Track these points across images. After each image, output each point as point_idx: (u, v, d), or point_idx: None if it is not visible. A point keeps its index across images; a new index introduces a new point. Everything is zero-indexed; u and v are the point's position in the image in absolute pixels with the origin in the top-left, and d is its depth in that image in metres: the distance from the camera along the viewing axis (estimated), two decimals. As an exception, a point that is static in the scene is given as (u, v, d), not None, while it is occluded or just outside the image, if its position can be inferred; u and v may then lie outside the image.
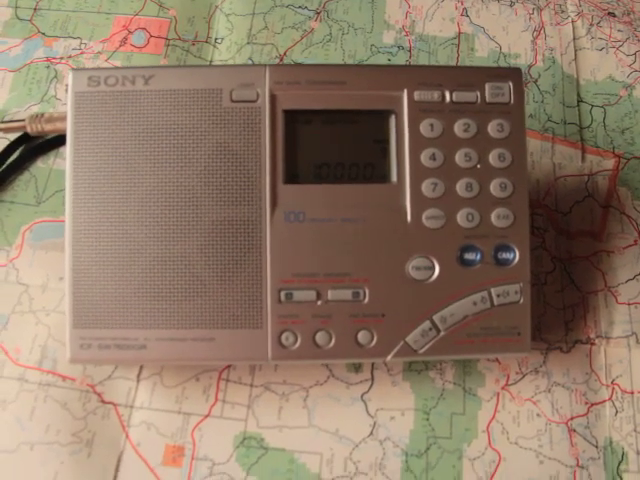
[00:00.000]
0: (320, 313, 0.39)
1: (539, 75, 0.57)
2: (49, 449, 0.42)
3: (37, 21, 0.57)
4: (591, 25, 0.60)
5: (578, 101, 0.56)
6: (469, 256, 0.40)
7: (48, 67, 0.55)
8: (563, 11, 0.61)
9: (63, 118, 0.40)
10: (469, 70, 0.43)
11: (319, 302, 0.39)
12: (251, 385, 0.44)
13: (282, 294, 0.39)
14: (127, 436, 0.42)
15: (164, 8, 0.58)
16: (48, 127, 0.45)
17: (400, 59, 0.57)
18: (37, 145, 0.51)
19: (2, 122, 0.47)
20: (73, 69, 0.40)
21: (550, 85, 0.57)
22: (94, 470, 0.41)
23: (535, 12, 0.60)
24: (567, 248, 0.50)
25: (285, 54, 0.56)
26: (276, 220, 0.39)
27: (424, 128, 0.41)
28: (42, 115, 0.45)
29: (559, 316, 0.48)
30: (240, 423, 0.43)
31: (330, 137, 0.41)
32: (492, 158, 0.41)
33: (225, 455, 0.42)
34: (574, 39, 0.59)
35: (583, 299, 0.48)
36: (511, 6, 0.60)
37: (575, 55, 0.58)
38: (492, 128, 0.41)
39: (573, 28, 0.60)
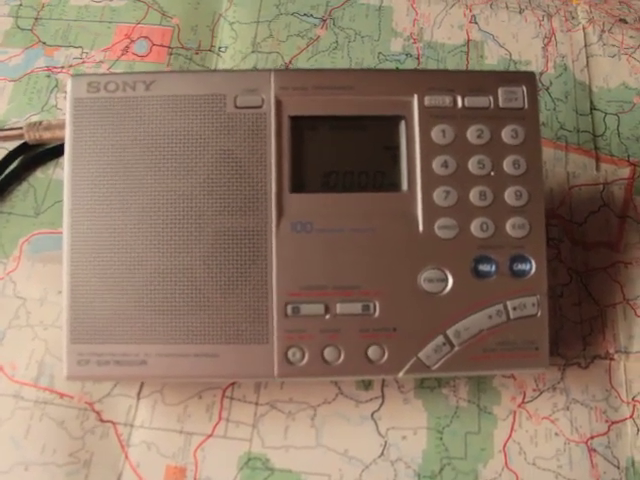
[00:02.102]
0: (328, 328, 0.38)
1: (550, 82, 0.56)
2: (44, 470, 0.40)
3: (38, 31, 0.56)
4: (602, 32, 0.59)
5: (591, 109, 0.55)
6: (484, 267, 0.39)
7: (49, 76, 0.54)
8: (574, 17, 0.60)
9: (62, 125, 0.39)
10: (481, 74, 0.42)
11: (327, 316, 0.38)
12: (256, 403, 0.42)
13: (289, 308, 0.38)
14: (126, 456, 0.41)
15: (167, 16, 0.57)
16: (47, 135, 0.43)
17: (408, 67, 0.55)
18: (36, 155, 0.49)
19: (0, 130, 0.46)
20: (72, 75, 0.39)
21: (562, 92, 0.55)
22: (92, 493, 0.40)
23: (545, 19, 0.59)
24: (583, 259, 0.48)
25: (290, 62, 0.55)
26: (282, 230, 0.38)
27: (435, 134, 0.39)
28: (40, 123, 0.44)
29: (576, 330, 0.46)
30: (244, 443, 0.41)
31: (338, 144, 0.40)
32: (506, 165, 0.40)
33: (229, 477, 0.40)
34: (586, 46, 0.58)
35: (601, 312, 0.47)
36: (520, 13, 0.59)
37: (587, 62, 0.57)
38: (506, 134, 0.40)
39: (584, 35, 0.59)
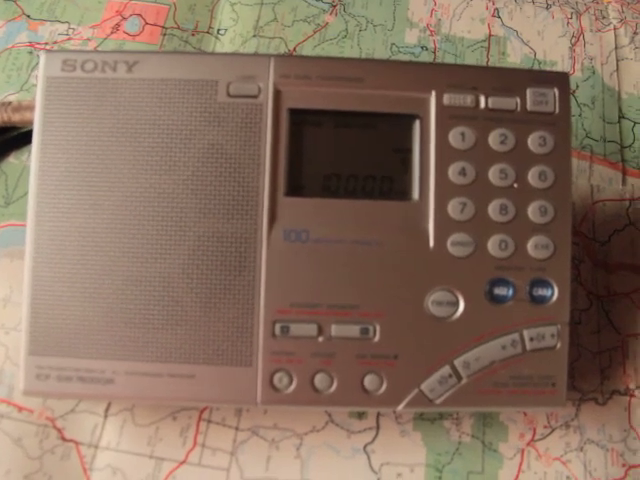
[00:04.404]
0: (321, 351, 0.34)
1: (577, 86, 0.52)
2: (-5, 494, 0.36)
3: (22, 2, 0.52)
4: (635, 33, 0.55)
5: (619, 117, 0.51)
6: (500, 291, 0.35)
7: (31, 53, 0.50)
8: (604, 17, 0.56)
9: (32, 107, 0.35)
10: (508, 72, 0.37)
11: (320, 338, 0.34)
12: (236, 428, 0.39)
13: (277, 327, 0.34)
14: (88, 482, 0.37)
15: (163, -7, 0.53)
16: (15, 117, 0.39)
17: (424, 60, 0.52)
18: (10, 138, 0.45)
19: (-36, 109, 0.41)
20: (46, 50, 0.35)
21: (589, 98, 0.51)
22: (47, 521, 0.36)
23: (574, 17, 0.55)
24: (605, 283, 0.45)
25: (295, 50, 0.51)
26: (274, 238, 0.34)
27: (454, 138, 0.35)
28: (9, 103, 0.39)
29: (594, 362, 0.42)
30: (221, 473, 0.38)
31: (343, 143, 0.36)
32: (532, 177, 0.35)
33: (201, 511, 0.37)
34: (616, 48, 0.54)
35: (622, 343, 0.43)
36: (547, 9, 0.55)
37: (617, 66, 0.53)
38: (533, 141, 0.36)
39: (615, 36, 0.55)
